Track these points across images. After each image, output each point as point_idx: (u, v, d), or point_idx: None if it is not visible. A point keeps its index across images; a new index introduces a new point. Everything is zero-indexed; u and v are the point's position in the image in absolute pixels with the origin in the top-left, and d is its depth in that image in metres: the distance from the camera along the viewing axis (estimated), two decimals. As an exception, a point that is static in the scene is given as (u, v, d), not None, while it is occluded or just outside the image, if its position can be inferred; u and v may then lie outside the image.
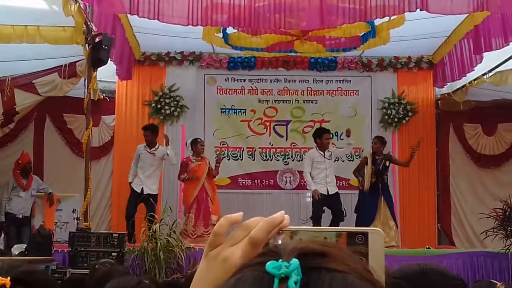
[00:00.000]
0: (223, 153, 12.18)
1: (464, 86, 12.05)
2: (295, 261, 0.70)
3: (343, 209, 11.08)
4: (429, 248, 10.73)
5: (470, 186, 13.18)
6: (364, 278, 0.71)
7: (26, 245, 8.99)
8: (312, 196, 11.01)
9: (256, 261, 0.75)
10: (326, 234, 0.84)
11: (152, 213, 9.72)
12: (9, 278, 1.63)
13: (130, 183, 10.97)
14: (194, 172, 11.01)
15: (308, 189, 11.45)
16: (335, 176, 11.64)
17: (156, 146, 11.09)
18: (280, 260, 0.71)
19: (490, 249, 9.93)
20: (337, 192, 11.14)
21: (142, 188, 10.84)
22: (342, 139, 12.86)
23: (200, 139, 11.57)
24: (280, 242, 0.83)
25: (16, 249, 8.77)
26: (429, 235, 12.54)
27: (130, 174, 11.05)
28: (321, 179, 10.99)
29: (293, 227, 0.86)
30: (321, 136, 11.19)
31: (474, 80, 11.54)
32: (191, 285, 0.88)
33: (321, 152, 11.05)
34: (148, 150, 11.00)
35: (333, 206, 10.95)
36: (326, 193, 10.91)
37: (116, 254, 8.43)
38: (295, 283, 0.69)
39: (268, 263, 0.71)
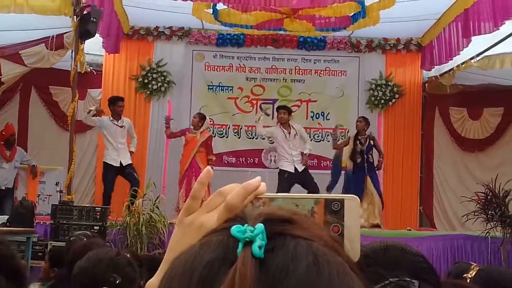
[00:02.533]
0: (209, 129, 12.12)
1: (451, 69, 12.06)
2: (260, 226, 0.69)
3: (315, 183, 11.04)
4: (410, 230, 10.79)
5: (453, 170, 13.24)
6: (329, 246, 0.71)
7: (8, 216, 8.93)
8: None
9: (223, 226, 0.74)
10: (303, 201, 0.83)
11: (136, 187, 9.73)
12: None
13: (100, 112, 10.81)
14: (186, 144, 11.08)
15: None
16: (322, 157, 11.67)
17: (122, 119, 11.03)
18: (246, 225, 0.70)
19: (470, 232, 10.00)
20: (305, 168, 11.11)
21: (120, 162, 10.76)
22: (328, 119, 12.89)
23: (197, 114, 11.60)
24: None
25: (-2, 220, 8.72)
26: (410, 217, 12.63)
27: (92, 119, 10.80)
28: (288, 157, 10.99)
29: (270, 194, 0.85)
30: (277, 111, 11.23)
31: (462, 63, 11.54)
32: (166, 253, 0.87)
33: (284, 130, 11.02)
34: (116, 122, 10.89)
35: (306, 181, 10.90)
36: (294, 171, 10.91)
37: (98, 228, 8.40)
38: (259, 247, 0.68)
39: (233, 227, 0.70)
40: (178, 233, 0.88)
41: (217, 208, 0.84)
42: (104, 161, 10.97)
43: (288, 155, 10.95)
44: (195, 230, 0.84)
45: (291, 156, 10.95)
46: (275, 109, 11.84)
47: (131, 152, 11.07)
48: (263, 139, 12.05)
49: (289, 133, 11.00)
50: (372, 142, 11.23)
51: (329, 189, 11.34)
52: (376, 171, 11.37)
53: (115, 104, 10.91)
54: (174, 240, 0.88)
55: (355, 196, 0.84)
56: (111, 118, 10.87)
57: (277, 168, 11.33)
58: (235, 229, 0.70)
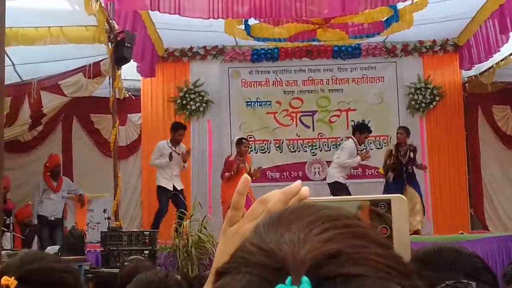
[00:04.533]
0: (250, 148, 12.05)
1: (491, 67, 11.87)
2: (305, 283, 0.63)
3: None
4: (462, 233, 10.59)
5: (501, 169, 13.00)
6: (384, 274, 0.66)
7: (59, 246, 9.03)
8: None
9: (261, 262, 0.68)
10: (348, 203, 0.82)
11: (184, 209, 9.74)
12: (13, 278, 1.56)
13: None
14: (238, 173, 10.96)
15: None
16: (366, 166, 11.67)
17: (180, 145, 11.08)
18: (289, 279, 0.64)
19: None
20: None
21: (174, 185, 10.83)
22: (370, 127, 12.76)
23: (246, 139, 11.50)
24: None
25: (50, 251, 8.79)
26: (462, 221, 12.38)
27: (159, 163, 10.82)
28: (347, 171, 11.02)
29: (314, 198, 0.84)
30: (363, 132, 11.10)
31: (501, 60, 11.36)
32: (213, 264, 0.85)
33: (358, 148, 11.01)
34: (174, 149, 10.95)
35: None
36: (346, 185, 10.94)
37: (148, 252, 8.43)
38: None
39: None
40: (223, 244, 0.87)
41: (260, 217, 0.83)
42: (158, 185, 10.98)
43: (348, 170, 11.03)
44: (240, 239, 0.80)
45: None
46: (356, 126, 11.70)
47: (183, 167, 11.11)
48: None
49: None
50: (412, 155, 11.06)
51: None
52: (417, 181, 11.21)
53: (176, 132, 10.96)
54: (220, 251, 0.87)
55: (402, 196, 0.82)
56: (170, 144, 10.94)
57: (322, 180, 11.29)
58: None
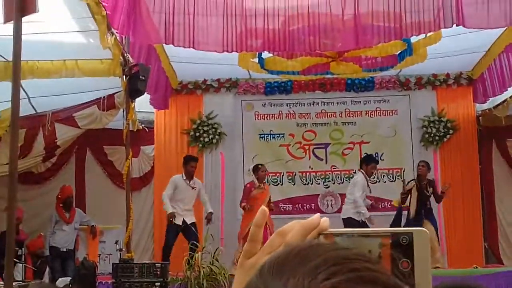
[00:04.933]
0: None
1: (505, 100, 11.84)
2: None
3: None
4: (476, 267, 10.49)
5: (516, 202, 12.90)
6: None
7: (70, 278, 9.01)
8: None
9: None
10: (370, 236, 0.80)
11: (196, 242, 9.70)
12: None
13: (171, 214, 10.74)
14: (255, 200, 10.99)
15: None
16: (379, 198, 11.61)
17: (194, 179, 11.08)
18: None
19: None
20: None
21: (183, 220, 10.80)
22: (383, 159, 12.74)
23: (262, 165, 11.58)
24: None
25: (61, 282, 8.81)
26: (476, 255, 12.25)
27: (167, 204, 10.78)
28: (365, 205, 10.92)
29: (333, 230, 0.83)
30: (369, 163, 11.10)
31: (515, 94, 11.34)
32: None
33: (367, 180, 10.98)
34: (188, 183, 10.96)
35: None
36: (360, 221, 10.85)
37: (159, 284, 8.40)
38: None
39: None
40: (240, 276, 0.85)
41: (278, 249, 0.81)
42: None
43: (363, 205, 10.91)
44: None
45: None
46: (363, 158, 11.73)
47: (210, 213, 11.12)
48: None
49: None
50: (431, 189, 11.07)
51: None
52: (434, 217, 11.16)
53: (188, 164, 11.01)
54: (237, 284, 0.86)
55: (425, 229, 0.81)
56: (184, 178, 10.96)
57: (335, 212, 11.24)
58: None
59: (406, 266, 0.78)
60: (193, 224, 10.88)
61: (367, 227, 10.84)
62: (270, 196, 11.45)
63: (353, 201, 10.87)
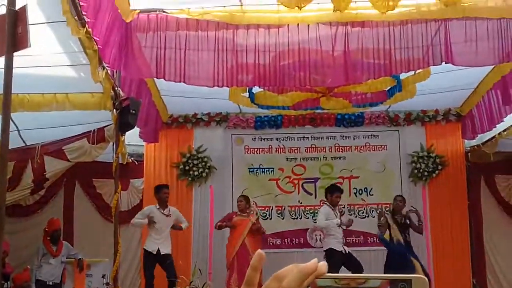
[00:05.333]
0: (256, 212, 12.05)
1: (493, 137, 11.92)
2: None
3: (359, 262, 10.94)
4: (465, 304, 10.46)
5: (504, 239, 12.92)
6: None
7: (57, 312, 8.92)
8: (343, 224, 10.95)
9: None
10: (369, 282, 0.80)
11: (174, 275, 9.67)
12: None
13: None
14: (235, 226, 11.07)
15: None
16: (368, 233, 11.56)
17: (168, 207, 11.11)
18: None
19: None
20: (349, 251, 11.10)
21: (158, 249, 10.80)
22: (372, 194, 12.78)
23: (242, 197, 11.67)
24: None
25: (47, 316, 8.70)
26: (464, 291, 12.24)
27: (139, 220, 10.97)
28: (339, 237, 10.92)
29: (332, 274, 0.82)
30: (332, 193, 11.17)
31: (504, 131, 11.40)
32: None
33: (333, 209, 11.00)
34: (162, 211, 11.00)
35: (352, 263, 10.80)
36: (344, 252, 10.83)
37: (147, 319, 8.32)
38: None
39: None
40: None
41: None
42: (144, 248, 11.08)
43: (339, 234, 10.88)
44: None
45: (341, 236, 10.89)
46: (326, 188, 11.74)
47: (179, 228, 11.13)
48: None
49: (337, 213, 11.08)
50: (408, 221, 11.12)
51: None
52: (414, 251, 11.16)
53: (160, 191, 11.10)
54: None
55: (423, 277, 0.81)
56: (158, 207, 10.99)
57: (322, 247, 11.22)
58: None
59: None
60: (169, 256, 10.87)
61: (352, 257, 10.85)
62: (255, 226, 11.33)
63: (323, 228, 10.98)
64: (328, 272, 0.83)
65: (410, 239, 11.14)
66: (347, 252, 10.94)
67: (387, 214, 11.22)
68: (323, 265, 0.83)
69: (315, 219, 12.74)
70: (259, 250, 0.89)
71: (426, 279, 0.81)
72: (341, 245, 10.92)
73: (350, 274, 0.83)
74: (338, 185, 12.04)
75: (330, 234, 11.00)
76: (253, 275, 0.87)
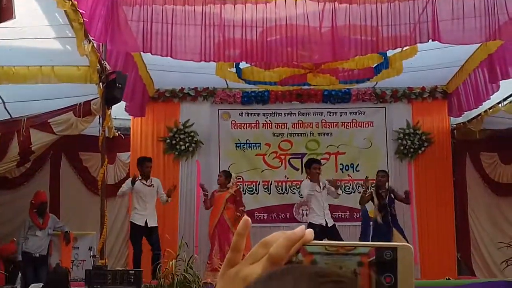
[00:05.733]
0: (238, 187, 12.09)
1: (479, 115, 11.97)
2: None
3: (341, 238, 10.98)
4: (449, 278, 10.57)
5: (488, 215, 13.03)
6: None
7: (43, 284, 8.95)
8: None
9: None
10: (350, 255, 0.81)
11: (158, 248, 9.72)
12: None
13: (133, 177, 10.88)
14: (214, 201, 11.07)
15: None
16: (354, 208, 11.63)
17: (151, 178, 11.12)
18: None
19: (511, 279, 9.78)
20: (334, 223, 11.10)
21: (146, 221, 10.83)
22: (358, 170, 12.84)
23: (222, 172, 11.62)
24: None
25: (33, 288, 8.75)
26: (449, 266, 12.36)
27: (124, 188, 10.97)
28: (319, 211, 10.93)
29: (317, 242, 0.83)
30: (310, 166, 11.14)
31: (490, 108, 11.46)
32: None
33: (314, 183, 10.98)
34: (145, 182, 11.00)
35: (334, 238, 10.83)
36: (325, 225, 10.84)
37: (133, 291, 8.37)
38: None
39: None
40: (222, 286, 0.85)
41: (261, 260, 0.82)
42: (130, 221, 11.11)
43: (320, 208, 10.90)
44: (240, 282, 0.82)
45: (323, 209, 10.92)
46: (304, 163, 11.79)
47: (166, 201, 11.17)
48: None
49: (320, 186, 10.97)
50: (392, 195, 11.18)
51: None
52: (399, 224, 11.23)
53: (143, 164, 11.10)
54: None
55: (409, 245, 0.82)
56: (140, 178, 10.98)
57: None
58: None
59: (389, 281, 0.79)
60: (155, 228, 10.90)
61: (335, 230, 10.90)
62: (234, 198, 11.32)
63: (304, 202, 11.12)
64: None
65: (396, 212, 11.19)
66: (329, 225, 10.93)
67: (373, 188, 11.29)
68: (310, 232, 0.83)
69: (301, 195, 12.86)
70: (245, 217, 0.89)
71: (412, 247, 0.82)
72: (322, 218, 10.91)
73: (339, 242, 0.85)
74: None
75: (310, 208, 11.07)
76: (239, 241, 0.87)
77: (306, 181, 11.21)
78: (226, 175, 11.36)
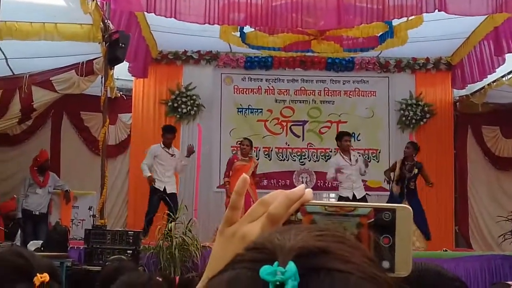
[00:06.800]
0: (235, 152, 12.05)
1: (482, 88, 11.94)
2: (291, 266, 0.64)
3: None
4: (446, 250, 10.63)
5: (488, 189, 13.06)
6: (368, 277, 0.66)
7: (42, 241, 9.01)
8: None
9: (251, 257, 0.69)
10: (349, 216, 0.81)
11: (172, 212, 9.73)
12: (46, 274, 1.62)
13: (150, 178, 10.71)
14: (236, 171, 10.84)
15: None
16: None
17: (172, 148, 11.08)
18: (276, 263, 0.65)
19: (508, 252, 9.83)
20: (364, 195, 10.91)
21: (165, 187, 10.80)
22: (359, 140, 12.83)
23: (245, 139, 11.38)
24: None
25: (32, 245, 8.79)
26: (446, 238, 12.42)
27: (145, 170, 10.78)
28: (348, 184, 10.83)
29: (316, 201, 0.83)
30: (341, 138, 10.99)
31: (493, 82, 11.42)
32: (208, 265, 0.84)
33: (345, 157, 10.88)
34: (168, 151, 10.95)
35: None
36: (352, 197, 10.75)
37: (131, 251, 8.42)
38: None
39: (262, 268, 0.65)
40: (220, 243, 0.85)
41: (260, 218, 0.82)
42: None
43: (348, 181, 10.80)
44: (238, 241, 0.81)
45: (351, 183, 10.81)
46: (335, 137, 11.48)
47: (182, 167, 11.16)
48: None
49: (350, 159, 10.85)
50: (417, 171, 11.06)
51: None
52: (418, 199, 11.11)
53: (164, 135, 10.98)
54: (216, 250, 0.85)
55: (408, 206, 0.82)
56: (163, 146, 10.94)
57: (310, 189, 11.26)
58: (264, 271, 0.65)
59: (387, 242, 0.79)
60: (174, 194, 10.86)
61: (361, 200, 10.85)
62: (254, 171, 11.23)
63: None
64: None
65: (415, 187, 11.14)
66: (358, 197, 10.71)
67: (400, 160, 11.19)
68: (309, 191, 0.83)
69: (302, 162, 12.89)
70: (243, 175, 0.89)
71: (411, 209, 0.81)
72: (350, 192, 10.73)
73: (339, 202, 0.85)
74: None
75: (339, 181, 10.93)
76: (238, 199, 0.87)
77: (334, 158, 11.12)
78: (251, 144, 11.24)
